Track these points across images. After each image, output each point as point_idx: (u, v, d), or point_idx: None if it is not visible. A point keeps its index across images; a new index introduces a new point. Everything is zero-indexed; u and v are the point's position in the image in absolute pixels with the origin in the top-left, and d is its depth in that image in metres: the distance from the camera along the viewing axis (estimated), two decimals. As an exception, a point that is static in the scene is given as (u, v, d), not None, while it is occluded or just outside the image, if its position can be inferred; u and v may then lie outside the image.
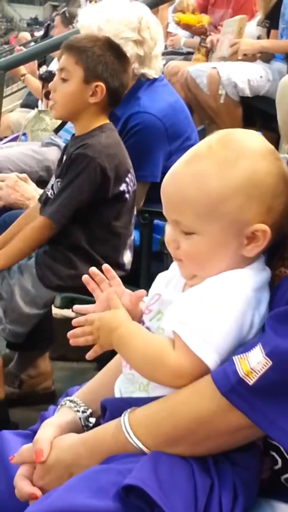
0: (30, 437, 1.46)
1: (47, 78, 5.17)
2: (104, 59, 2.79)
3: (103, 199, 2.79)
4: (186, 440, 1.26)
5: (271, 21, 5.00)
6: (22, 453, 1.41)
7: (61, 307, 2.88)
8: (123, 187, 2.83)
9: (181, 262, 1.37)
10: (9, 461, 1.42)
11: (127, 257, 2.95)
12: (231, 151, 1.32)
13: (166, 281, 1.45)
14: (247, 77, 4.80)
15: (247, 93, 4.83)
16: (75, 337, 1.43)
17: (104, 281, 1.48)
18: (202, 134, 4.47)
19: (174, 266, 1.43)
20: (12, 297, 2.88)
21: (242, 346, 1.26)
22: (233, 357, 1.23)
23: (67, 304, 2.84)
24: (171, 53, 6.24)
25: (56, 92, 2.84)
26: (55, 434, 1.40)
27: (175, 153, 3.25)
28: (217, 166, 1.31)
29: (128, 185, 2.86)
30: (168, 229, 1.36)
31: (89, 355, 1.44)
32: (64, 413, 1.47)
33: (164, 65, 4.82)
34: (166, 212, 1.36)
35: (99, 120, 2.85)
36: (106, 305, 1.42)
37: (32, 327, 2.96)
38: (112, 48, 2.84)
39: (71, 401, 1.49)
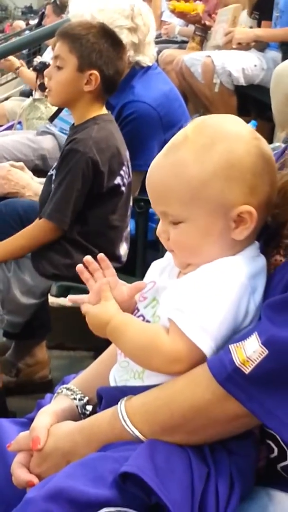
0: (26, 425, 1.46)
1: (41, 70, 5.14)
2: (99, 46, 2.78)
3: (98, 193, 2.78)
4: (183, 429, 1.27)
5: (261, 12, 5.00)
6: (19, 441, 1.42)
7: (57, 295, 2.88)
8: (118, 180, 2.82)
9: (173, 253, 1.37)
10: (6, 448, 1.43)
11: (123, 249, 2.94)
12: (207, 136, 1.32)
13: (161, 269, 1.44)
14: (242, 65, 4.79)
15: (242, 81, 4.82)
16: None
17: (98, 271, 1.46)
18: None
19: (169, 254, 1.43)
20: (9, 288, 2.88)
21: (237, 333, 1.27)
22: (229, 346, 1.23)
23: (63, 292, 2.84)
24: (165, 41, 6.22)
25: (51, 79, 2.84)
26: (52, 422, 1.40)
27: (169, 142, 3.24)
28: (194, 153, 1.31)
29: (123, 177, 2.84)
30: (160, 221, 1.37)
31: None
32: (60, 401, 1.47)
33: (158, 53, 4.80)
34: (153, 205, 1.37)
35: (95, 109, 2.84)
36: (100, 295, 1.42)
37: (29, 317, 2.97)
38: (107, 35, 2.83)
39: (67, 388, 1.49)
